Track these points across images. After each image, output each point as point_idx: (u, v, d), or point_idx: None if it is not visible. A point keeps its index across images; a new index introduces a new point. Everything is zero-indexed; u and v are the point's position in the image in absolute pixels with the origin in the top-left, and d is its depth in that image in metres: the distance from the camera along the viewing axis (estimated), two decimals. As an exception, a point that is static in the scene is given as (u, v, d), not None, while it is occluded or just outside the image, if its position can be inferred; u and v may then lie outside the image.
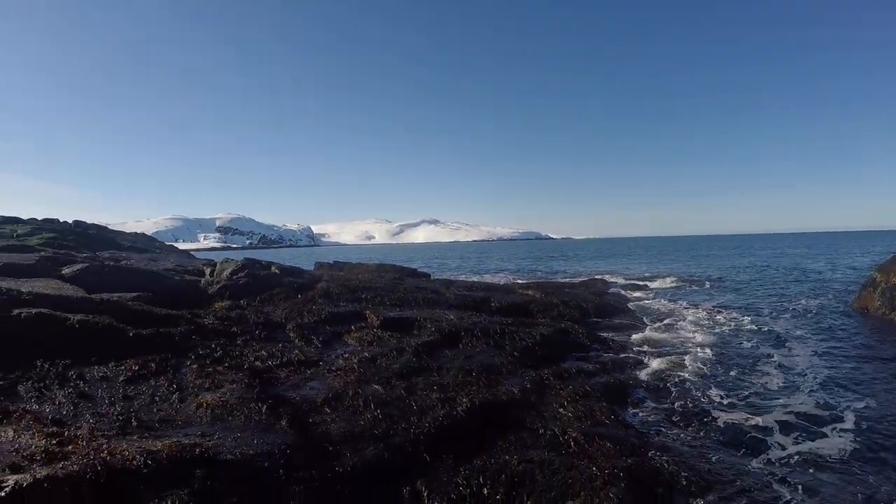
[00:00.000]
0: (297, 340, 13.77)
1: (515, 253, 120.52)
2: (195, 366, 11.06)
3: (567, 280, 38.33)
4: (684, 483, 7.94)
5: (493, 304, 20.27)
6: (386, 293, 19.35)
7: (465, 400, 9.81)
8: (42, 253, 19.07)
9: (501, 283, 32.99)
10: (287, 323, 14.98)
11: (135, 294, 15.29)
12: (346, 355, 12.62)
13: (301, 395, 9.86)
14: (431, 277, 30.92)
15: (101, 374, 10.35)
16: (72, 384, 9.81)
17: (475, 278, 41.83)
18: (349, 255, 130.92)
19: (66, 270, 16.92)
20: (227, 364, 11.33)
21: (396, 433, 8.50)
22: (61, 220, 36.27)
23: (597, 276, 39.98)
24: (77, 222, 35.74)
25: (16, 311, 11.94)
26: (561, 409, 10.16)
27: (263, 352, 12.32)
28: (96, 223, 39.87)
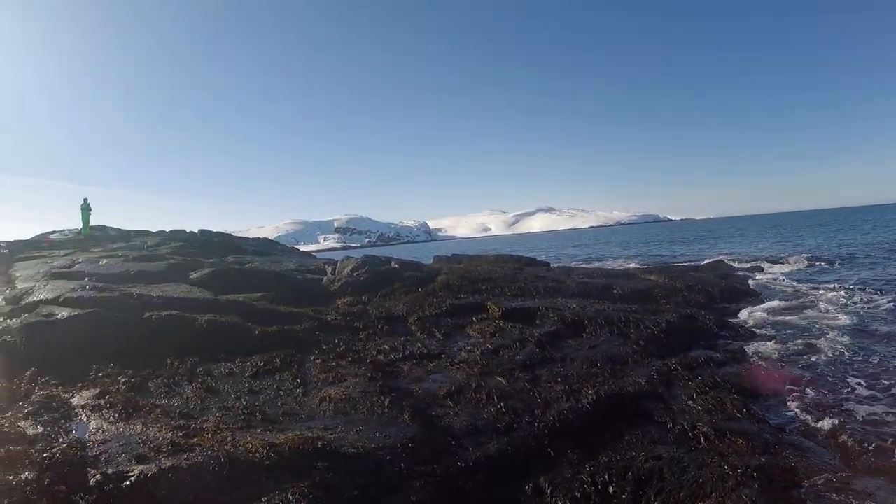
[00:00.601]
0: (418, 333, 13.76)
1: (634, 237, 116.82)
2: (318, 360, 11.22)
3: (690, 264, 36.80)
4: (821, 485, 6.99)
5: (615, 291, 19.71)
6: (506, 283, 19.07)
7: (590, 392, 9.45)
8: (171, 261, 19.78)
9: (622, 269, 32.17)
10: (408, 316, 14.97)
11: (260, 294, 15.67)
12: (469, 347, 12.47)
13: (423, 388, 9.82)
14: (551, 266, 30.40)
15: (227, 370, 10.68)
16: (199, 380, 10.15)
17: (595, 265, 40.63)
18: (466, 247, 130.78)
19: (193, 275, 17.50)
20: (349, 358, 11.43)
21: (520, 427, 8.30)
22: (188, 231, 37.55)
23: (721, 258, 38.06)
24: (202, 231, 36.88)
25: (147, 314, 12.51)
26: (690, 402, 9.59)
27: (386, 345, 12.37)
28: (220, 231, 41.17)
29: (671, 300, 19.45)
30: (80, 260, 20.49)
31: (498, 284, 18.91)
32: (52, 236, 36.74)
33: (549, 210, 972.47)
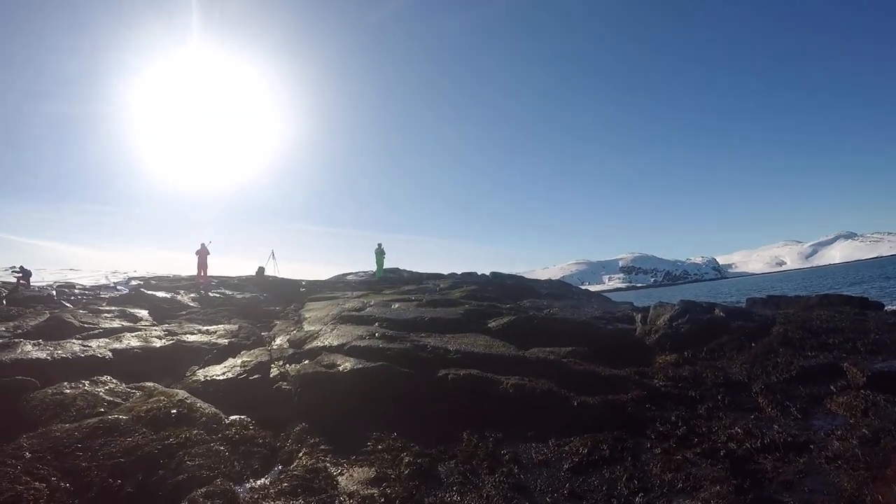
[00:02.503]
0: (768, 409, 10.97)
1: None
2: (658, 450, 8.90)
3: None
4: None
5: None
6: (856, 335, 15.52)
7: None
8: (466, 306, 18.48)
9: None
10: (751, 382, 12.23)
11: (569, 349, 13.72)
12: (839, 433, 9.52)
13: (800, 499, 7.25)
14: (887, 308, 25.91)
15: (540, 457, 8.79)
16: (504, 468, 8.34)
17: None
18: (761, 285, 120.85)
19: (492, 324, 16.07)
20: (696, 448, 8.94)
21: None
22: (479, 273, 37.11)
23: None
24: (494, 274, 36.38)
25: (442, 372, 11.16)
26: None
27: (737, 428, 9.68)
28: (512, 273, 40.42)
29: None
30: (372, 303, 20.04)
31: (847, 337, 15.42)
32: (349, 277, 38.52)
33: (851, 236, 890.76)
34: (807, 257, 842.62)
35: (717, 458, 8.52)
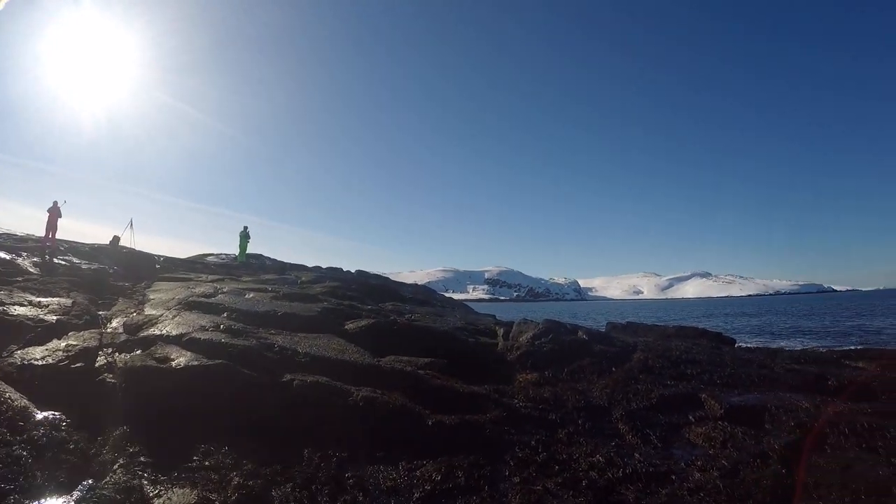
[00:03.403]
0: (629, 436, 10.60)
1: (798, 308, 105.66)
2: (517, 478, 8.19)
3: (888, 345, 31.68)
4: None
5: (830, 383, 15.73)
6: (713, 367, 15.64)
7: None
8: (325, 303, 17.28)
9: (823, 351, 27.73)
10: (612, 408, 11.86)
11: (427, 360, 12.92)
12: (700, 463, 9.30)
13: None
14: (739, 345, 26.73)
15: (388, 483, 7.88)
16: (348, 496, 7.38)
17: (782, 343, 35.96)
18: (618, 310, 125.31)
19: (349, 325, 15.08)
20: (557, 478, 8.28)
21: None
22: (344, 269, 36.31)
23: None
24: (359, 272, 35.69)
25: (287, 377, 10.04)
26: None
27: (599, 456, 9.13)
28: (378, 273, 39.82)
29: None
30: (226, 289, 18.51)
31: (704, 369, 15.51)
32: (209, 258, 37.04)
33: (706, 275, 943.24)
34: (663, 289, 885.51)
35: (578, 488, 7.94)
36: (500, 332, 17.70)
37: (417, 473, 8.09)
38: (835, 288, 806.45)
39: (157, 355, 10.43)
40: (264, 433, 8.73)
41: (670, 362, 15.67)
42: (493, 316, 25.80)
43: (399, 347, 13.77)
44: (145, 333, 12.07)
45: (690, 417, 11.72)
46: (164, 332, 12.03)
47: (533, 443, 9.57)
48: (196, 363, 10.09)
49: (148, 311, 14.69)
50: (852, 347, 30.93)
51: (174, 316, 13.49)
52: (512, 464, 8.74)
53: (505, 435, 9.78)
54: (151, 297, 17.16)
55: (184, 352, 10.68)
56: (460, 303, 36.38)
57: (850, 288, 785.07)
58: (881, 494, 8.09)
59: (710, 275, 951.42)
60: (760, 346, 30.10)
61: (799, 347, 33.02)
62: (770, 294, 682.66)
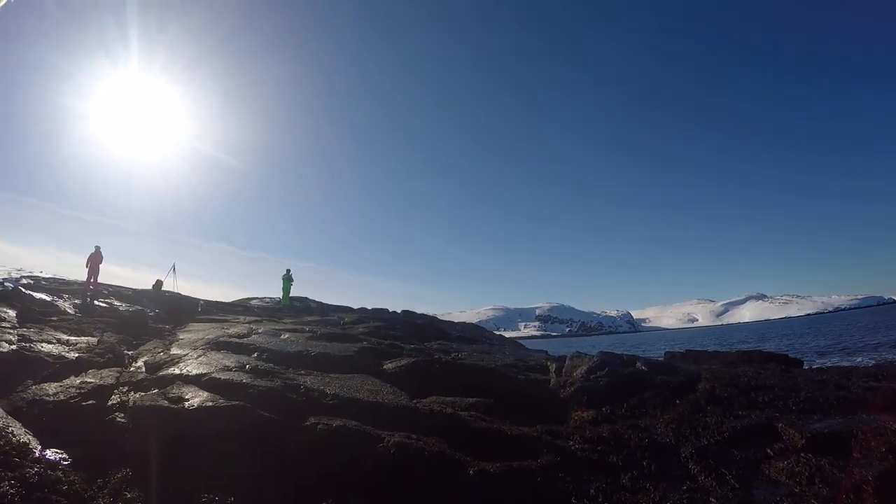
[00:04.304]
0: (701, 476, 9.35)
1: (863, 323, 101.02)
2: None
3: None
4: None
5: None
6: (786, 392, 14.29)
7: None
8: (363, 343, 16.33)
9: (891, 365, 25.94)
10: (679, 445, 10.60)
11: (472, 400, 11.85)
12: (785, 504, 8.01)
13: None
14: (806, 365, 25.21)
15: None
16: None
17: (854, 360, 34.00)
18: (672, 339, 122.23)
19: (388, 365, 14.10)
20: None
21: None
22: (390, 310, 35.52)
23: None
24: (405, 312, 34.85)
25: (311, 420, 9.04)
26: None
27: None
28: (425, 313, 39.00)
29: None
30: (261, 330, 17.61)
31: (777, 395, 14.14)
32: (253, 301, 36.38)
33: (761, 297, 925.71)
34: (718, 315, 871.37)
35: None
36: (553, 367, 16.51)
37: (457, 537, 6.80)
38: (895, 298, 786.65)
39: (171, 395, 9.68)
40: (283, 484, 7.83)
41: (739, 390, 14.35)
42: (545, 352, 24.72)
43: (441, 388, 12.75)
44: (164, 372, 11.40)
45: (769, 451, 10.45)
46: (184, 371, 11.34)
47: (592, 491, 8.33)
48: (210, 404, 9.26)
49: (174, 350, 13.99)
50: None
51: (199, 355, 12.75)
52: (569, 518, 7.43)
53: (559, 483, 8.54)
54: (181, 337, 16.46)
55: (200, 392, 9.89)
56: (511, 340, 35.31)
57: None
58: None
59: (765, 296, 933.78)
60: (830, 365, 28.57)
61: (872, 363, 31.31)
62: (830, 311, 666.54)
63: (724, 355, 26.62)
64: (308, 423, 8.90)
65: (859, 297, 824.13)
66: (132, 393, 10.25)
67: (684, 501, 8.06)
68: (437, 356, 16.06)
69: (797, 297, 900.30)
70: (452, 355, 17.12)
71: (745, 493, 8.79)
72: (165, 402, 9.22)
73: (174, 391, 9.89)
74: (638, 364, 15.72)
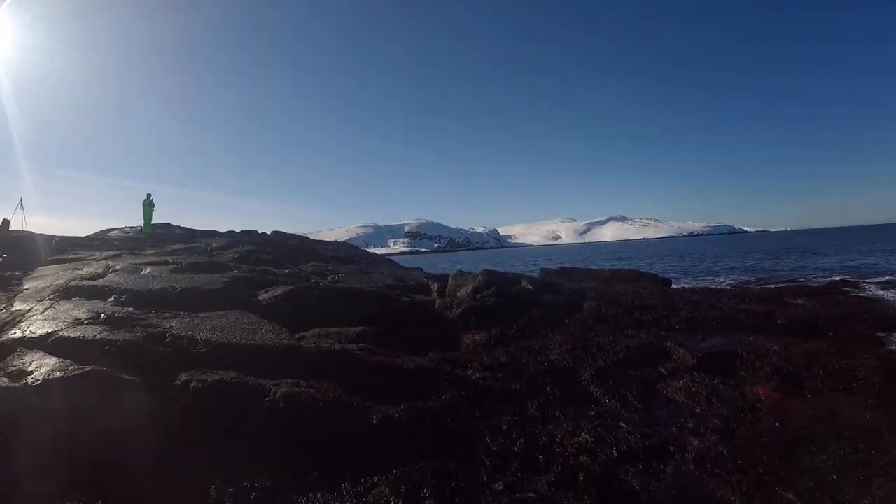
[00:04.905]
0: (605, 399, 9.00)
1: (711, 249, 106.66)
2: (500, 485, 6.17)
3: (812, 282, 31.53)
4: None
5: (779, 322, 14.91)
6: (668, 312, 14.35)
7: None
8: (235, 272, 14.82)
9: (759, 289, 27.04)
10: (578, 368, 10.23)
11: (359, 329, 10.92)
12: (690, 425, 7.95)
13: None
14: (677, 285, 26.05)
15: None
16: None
17: (717, 282, 35.56)
18: (538, 255, 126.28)
19: (263, 296, 12.79)
20: (549, 475, 6.19)
21: None
22: (259, 232, 34.16)
23: (842, 278, 32.33)
24: (276, 233, 33.67)
25: (184, 377, 7.47)
26: None
27: (585, 434, 7.32)
28: (295, 233, 37.83)
29: (840, 331, 14.38)
30: (119, 267, 15.38)
31: (660, 314, 14.28)
32: (112, 233, 33.84)
33: (622, 219, 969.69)
34: (581, 234, 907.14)
35: (577, 487, 6.06)
36: (435, 287, 15.94)
37: (369, 499, 5.82)
38: (745, 229, 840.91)
39: (13, 367, 7.54)
40: (155, 462, 6.19)
41: (624, 309, 14.37)
42: (421, 269, 24.32)
43: (324, 317, 11.68)
44: (4, 338, 8.85)
45: (662, 370, 10.46)
46: (28, 331, 8.96)
47: (505, 427, 7.58)
48: (59, 374, 7.21)
49: (17, 305, 11.29)
50: (783, 284, 30.73)
51: (46, 308, 10.57)
52: (488, 463, 6.67)
53: (469, 422, 7.72)
54: (27, 286, 13.77)
55: (49, 357, 7.82)
56: (385, 258, 34.70)
57: (759, 229, 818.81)
58: (874, 440, 7.23)
59: (626, 218, 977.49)
60: (696, 286, 29.58)
61: (729, 285, 32.71)
62: (684, 235, 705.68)
63: (597, 272, 27.19)
64: (179, 381, 7.34)
65: (712, 224, 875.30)
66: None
67: (598, 429, 7.58)
68: (314, 280, 15.12)
69: (655, 220, 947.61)
70: (329, 278, 16.26)
71: (650, 415, 8.55)
72: (5, 381, 7.12)
73: (16, 362, 7.75)
74: (524, 283, 15.37)
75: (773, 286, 29.77)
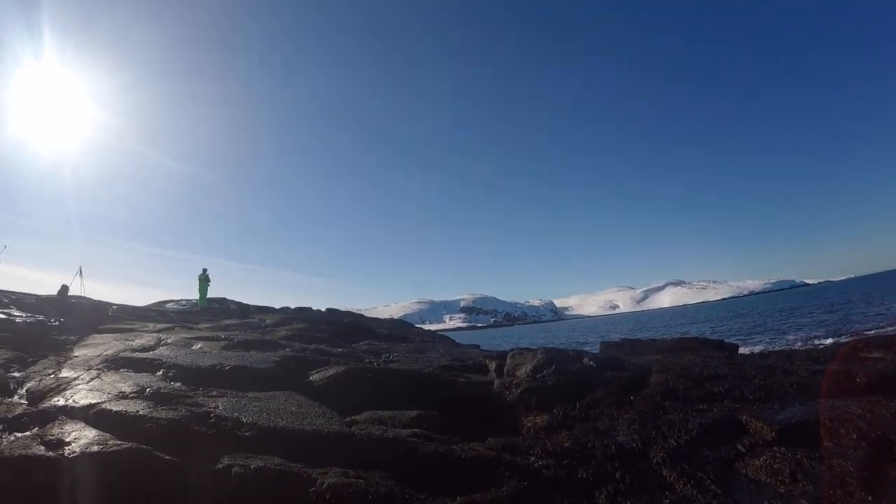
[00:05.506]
0: (679, 484, 8.35)
1: (774, 306, 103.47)
2: None
3: (886, 331, 30.54)
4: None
5: (858, 380, 13.77)
6: (739, 381, 13.51)
7: None
8: (286, 350, 14.53)
9: (832, 345, 26.01)
10: (648, 450, 9.56)
11: (414, 413, 10.41)
12: (777, 509, 7.13)
13: None
14: (741, 350, 25.12)
15: None
16: None
17: (785, 342, 34.39)
18: (595, 326, 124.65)
19: (315, 376, 12.40)
20: None
21: None
22: (314, 308, 34.37)
23: None
24: (330, 310, 33.78)
25: (226, 461, 7.09)
26: None
27: (658, 527, 6.77)
28: (350, 311, 38.02)
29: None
30: (170, 340, 15.49)
31: (731, 384, 13.37)
32: (168, 305, 34.85)
33: (679, 283, 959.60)
34: (638, 302, 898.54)
35: None
36: (493, 366, 15.37)
37: None
38: (807, 282, 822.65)
39: (50, 436, 7.36)
40: None
41: (693, 381, 13.51)
42: (478, 346, 23.93)
43: (378, 400, 11.19)
44: (47, 404, 8.88)
45: (740, 447, 9.65)
46: (71, 400, 8.90)
47: None
48: (97, 448, 6.97)
49: (65, 372, 11.37)
50: (856, 338, 29.53)
51: (92, 378, 10.49)
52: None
53: None
54: (77, 353, 13.89)
55: (86, 431, 7.60)
56: (440, 335, 34.45)
57: (822, 280, 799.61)
58: None
59: (683, 283, 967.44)
60: (763, 348, 28.66)
61: (800, 344, 31.60)
62: (745, 295, 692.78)
63: (659, 343, 26.25)
64: (220, 464, 6.99)
65: (772, 280, 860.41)
66: (5, 434, 7.78)
67: (675, 519, 7.00)
68: (367, 360, 14.77)
69: (713, 282, 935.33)
70: (384, 357, 15.95)
71: (729, 499, 7.91)
72: (41, 449, 6.94)
73: (54, 430, 7.62)
74: (585, 359, 14.76)
75: (844, 338, 28.76)
